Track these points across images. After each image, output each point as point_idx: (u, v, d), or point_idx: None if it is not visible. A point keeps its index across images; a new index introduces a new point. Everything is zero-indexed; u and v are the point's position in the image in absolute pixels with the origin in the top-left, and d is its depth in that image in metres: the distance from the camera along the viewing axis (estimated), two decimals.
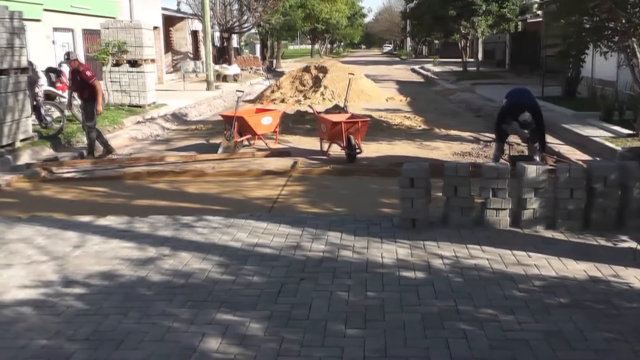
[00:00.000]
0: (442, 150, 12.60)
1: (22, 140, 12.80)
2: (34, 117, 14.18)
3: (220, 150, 12.56)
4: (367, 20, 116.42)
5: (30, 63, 13.82)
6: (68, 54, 13.08)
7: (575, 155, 11.70)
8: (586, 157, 11.32)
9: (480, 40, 41.27)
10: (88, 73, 12.66)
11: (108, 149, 12.81)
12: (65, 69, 17.67)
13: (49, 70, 16.36)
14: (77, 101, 13.85)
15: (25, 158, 12.25)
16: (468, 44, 40.13)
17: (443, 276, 5.62)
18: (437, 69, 45.51)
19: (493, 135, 12.83)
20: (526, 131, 10.11)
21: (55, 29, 23.23)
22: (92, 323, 4.86)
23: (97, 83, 12.73)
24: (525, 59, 35.29)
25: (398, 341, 4.43)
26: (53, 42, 23.01)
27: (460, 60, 41.95)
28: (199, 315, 4.90)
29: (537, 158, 9.99)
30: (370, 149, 12.53)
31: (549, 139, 12.62)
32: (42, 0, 21.28)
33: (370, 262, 6.02)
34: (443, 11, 35.22)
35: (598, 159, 10.68)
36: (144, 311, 5.03)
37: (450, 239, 6.62)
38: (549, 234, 6.83)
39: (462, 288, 5.35)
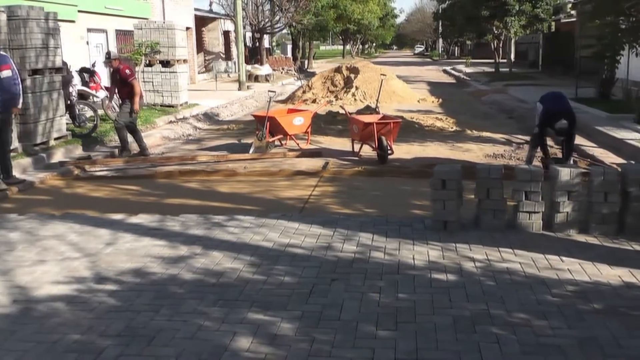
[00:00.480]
0: (474, 152, 12.52)
1: (56, 139, 12.94)
2: (67, 116, 14.32)
3: (252, 150, 12.59)
4: (398, 21, 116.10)
5: (64, 63, 13.96)
6: (109, 53, 13.24)
7: (609, 158, 11.55)
8: (620, 160, 11.18)
9: (512, 41, 40.89)
10: (127, 72, 12.76)
11: (124, 146, 12.87)
12: (99, 69, 17.86)
13: (82, 70, 16.51)
14: (115, 100, 14.01)
15: (58, 156, 12.38)
16: (500, 45, 39.77)
17: (475, 279, 5.57)
18: (469, 70, 45.27)
19: (526, 138, 12.75)
20: (561, 138, 10.05)
21: (89, 30, 23.45)
22: (124, 319, 4.89)
23: (136, 82, 12.84)
24: (558, 59, 34.99)
25: (429, 344, 4.40)
26: (87, 42, 23.22)
27: (492, 61, 41.66)
28: (230, 314, 4.91)
29: (570, 161, 9.90)
30: (402, 150, 12.48)
31: (583, 141, 12.51)
32: (76, 1, 21.48)
33: (402, 263, 5.99)
34: (475, 11, 34.94)
35: (633, 162, 10.54)
36: (175, 309, 5.05)
37: (482, 242, 6.55)
38: (582, 238, 6.73)
39: (494, 292, 5.30)
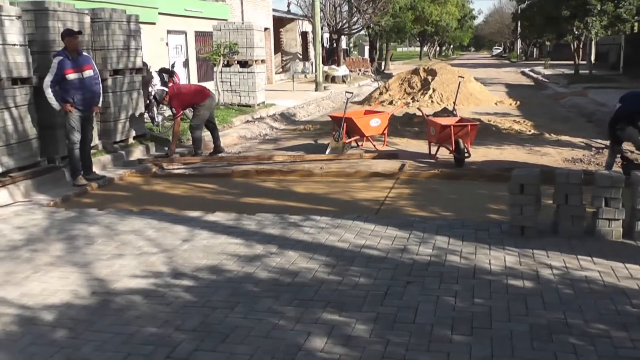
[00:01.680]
0: (552, 157, 12.24)
1: (135, 137, 13.17)
2: (146, 115, 14.58)
3: (328, 150, 12.59)
4: (476, 22, 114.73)
5: (144, 64, 14.20)
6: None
7: None
8: None
9: (593, 42, 39.98)
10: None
11: (197, 146, 12.99)
12: (178, 70, 18.14)
13: (161, 71, 16.78)
14: None
15: (137, 154, 12.61)
16: (581, 46, 38.91)
17: (552, 287, 5.41)
18: (547, 71, 44.42)
19: (606, 142, 12.43)
20: None
21: (169, 32, 23.83)
22: (200, 315, 4.93)
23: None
24: None
25: (505, 351, 4.29)
26: (166, 44, 23.60)
27: (572, 62, 40.75)
28: (305, 314, 4.90)
29: None
30: (479, 154, 12.31)
31: None
32: (157, 4, 21.86)
33: (478, 268, 5.88)
34: (556, 11, 34.24)
35: None
36: (250, 307, 5.07)
37: (559, 249, 6.37)
38: None
39: (572, 300, 5.13)
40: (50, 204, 8.97)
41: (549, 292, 5.27)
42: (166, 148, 13.19)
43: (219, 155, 12.84)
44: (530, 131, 15.78)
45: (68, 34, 9.86)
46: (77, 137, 9.97)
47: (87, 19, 11.71)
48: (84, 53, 10.33)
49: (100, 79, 10.52)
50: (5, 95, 9.50)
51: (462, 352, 4.28)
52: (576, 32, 35.92)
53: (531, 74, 44.61)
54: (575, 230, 6.77)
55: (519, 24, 54.31)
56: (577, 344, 4.38)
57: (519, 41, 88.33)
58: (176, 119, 12.70)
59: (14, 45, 9.67)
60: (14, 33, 9.67)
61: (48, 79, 9.71)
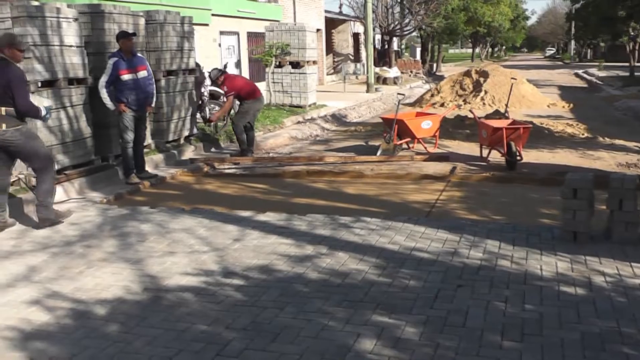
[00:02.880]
0: (605, 161, 12.04)
1: (186, 137, 13.30)
2: (198, 115, 14.71)
3: (379, 152, 12.57)
4: (529, 22, 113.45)
5: (197, 64, 14.34)
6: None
7: None
8: None
9: None
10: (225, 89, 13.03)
11: (242, 146, 13.09)
12: (230, 70, 18.26)
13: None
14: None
15: (189, 153, 12.74)
16: (637, 47, 38.19)
17: (605, 294, 5.29)
18: (601, 73, 43.69)
19: None
20: None
21: (222, 32, 24.01)
22: (250, 314, 4.96)
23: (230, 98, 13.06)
24: None
25: (555, 359, 4.23)
26: (219, 44, 23.79)
27: (627, 64, 40.02)
28: (355, 316, 4.89)
29: None
30: (531, 157, 12.16)
31: None
32: (210, 5, 22.05)
33: (529, 273, 5.79)
34: (611, 11, 33.65)
35: None
36: (300, 307, 5.08)
37: (613, 255, 6.22)
38: None
39: (625, 308, 5.01)
40: (104, 201, 9.12)
41: (601, 300, 5.16)
42: (213, 149, 13.34)
43: (270, 155, 12.88)
44: (583, 134, 15.56)
45: (123, 35, 10.01)
46: (130, 136, 10.11)
47: (142, 21, 11.87)
48: (139, 54, 10.48)
49: (154, 80, 10.67)
50: (62, 95, 9.68)
51: (512, 359, 4.22)
52: (632, 33, 35.27)
53: (585, 75, 43.90)
54: (629, 237, 6.62)
55: (573, 25, 53.53)
56: (630, 354, 4.29)
57: (573, 42, 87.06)
58: (228, 98, 12.83)
59: (71, 46, 9.84)
60: (71, 35, 9.84)
61: (103, 80, 9.87)
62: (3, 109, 7.39)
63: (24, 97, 7.48)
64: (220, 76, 13.00)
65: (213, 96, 15.97)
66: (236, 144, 13.76)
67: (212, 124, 15.22)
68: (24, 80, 7.65)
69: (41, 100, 8.01)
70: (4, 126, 7.42)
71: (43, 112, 7.76)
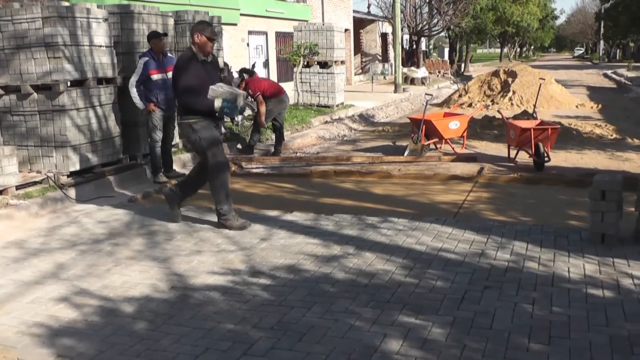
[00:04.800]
0: (634, 162, 11.89)
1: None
2: None
3: (406, 152, 12.53)
4: (558, 22, 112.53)
5: (225, 64, 14.39)
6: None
7: None
8: None
9: None
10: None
11: (249, 144, 13.18)
12: (258, 70, 18.32)
13: (242, 71, 16.94)
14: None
15: None
16: None
17: (633, 297, 5.21)
18: (631, 74, 43.17)
19: None
20: None
21: (250, 32, 24.08)
22: (277, 314, 4.96)
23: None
24: None
25: None
26: (247, 44, 23.85)
27: None
28: (382, 316, 4.87)
29: None
30: (559, 158, 12.06)
31: None
32: (239, 5, 22.12)
33: (557, 275, 5.73)
34: None
35: None
36: (327, 307, 5.07)
37: None
38: None
39: None
40: (132, 200, 9.17)
41: (630, 303, 5.09)
42: (239, 145, 13.43)
43: (298, 155, 12.91)
44: (612, 135, 15.40)
45: (154, 35, 10.08)
46: (159, 135, 10.18)
47: (171, 21, 11.93)
48: (169, 54, 10.54)
49: None
50: (91, 95, 9.76)
51: None
52: None
53: (614, 76, 43.39)
54: None
55: (602, 24, 53.07)
56: None
57: (602, 42, 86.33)
58: (257, 99, 12.87)
59: (100, 46, 9.92)
60: (101, 35, 9.91)
61: (133, 79, 9.94)
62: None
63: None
64: (241, 82, 13.11)
65: None
66: (264, 145, 13.81)
67: (238, 124, 15.27)
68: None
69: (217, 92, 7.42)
70: (179, 118, 7.57)
71: (217, 104, 7.26)
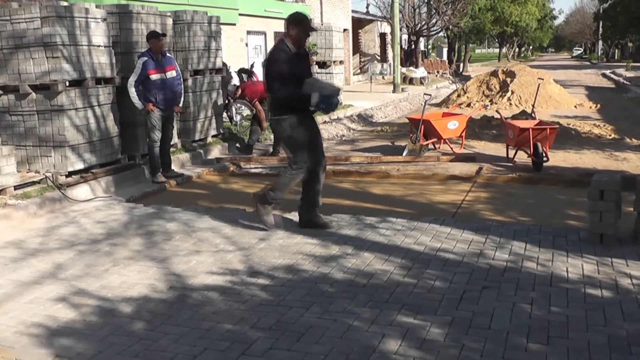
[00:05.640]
0: (633, 162, 11.88)
1: (213, 136, 13.37)
2: (225, 114, 14.76)
3: (405, 152, 12.53)
4: (557, 22, 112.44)
5: (224, 64, 14.39)
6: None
7: None
8: None
9: None
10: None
11: (248, 143, 13.23)
12: (257, 70, 18.32)
13: (241, 71, 16.97)
14: None
15: (215, 153, 12.79)
16: None
17: (632, 297, 5.21)
18: (629, 74, 43.15)
19: None
20: None
21: (249, 32, 24.07)
22: (275, 314, 4.96)
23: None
24: None
25: None
26: (246, 44, 23.84)
27: None
28: (380, 316, 4.87)
29: None
30: (558, 158, 12.06)
31: None
32: (238, 5, 22.11)
33: (555, 275, 5.72)
34: None
35: None
36: (325, 307, 5.07)
37: None
38: None
39: None
40: (130, 200, 9.17)
41: (628, 303, 5.09)
42: (237, 145, 13.44)
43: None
44: (610, 135, 15.40)
45: (153, 35, 10.07)
46: (157, 135, 10.17)
47: (170, 21, 11.93)
48: (168, 54, 10.53)
49: (182, 80, 10.73)
50: (90, 94, 9.76)
51: None
52: None
53: (612, 76, 43.38)
54: None
55: (601, 24, 53.06)
56: None
57: (600, 42, 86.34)
58: (255, 104, 12.87)
59: (99, 46, 9.92)
60: (99, 35, 9.92)
61: (132, 79, 9.94)
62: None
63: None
64: (237, 90, 13.14)
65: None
66: (263, 145, 13.82)
67: (237, 124, 15.28)
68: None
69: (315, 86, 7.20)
70: (271, 114, 7.39)
71: (314, 99, 6.97)
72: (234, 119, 15.48)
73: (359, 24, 40.07)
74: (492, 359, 4.22)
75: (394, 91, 28.66)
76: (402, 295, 5.29)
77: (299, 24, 7.07)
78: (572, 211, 8.21)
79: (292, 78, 6.95)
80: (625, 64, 54.82)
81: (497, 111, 14.80)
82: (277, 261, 6.23)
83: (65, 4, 9.63)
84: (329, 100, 7.01)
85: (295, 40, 7.07)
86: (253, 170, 11.67)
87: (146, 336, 4.63)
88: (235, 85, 14.07)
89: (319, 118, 17.94)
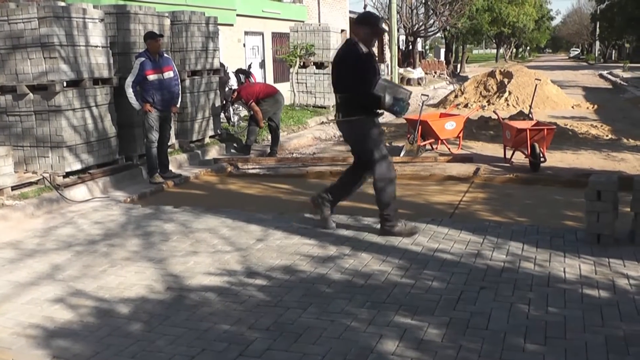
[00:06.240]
0: (630, 163, 11.89)
1: (211, 137, 13.37)
2: (222, 115, 14.76)
3: (402, 153, 12.53)
4: (554, 23, 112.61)
5: (221, 65, 14.39)
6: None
7: None
8: None
9: None
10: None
11: (249, 139, 13.27)
12: (254, 71, 18.34)
13: (238, 72, 16.96)
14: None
15: (213, 153, 12.79)
16: None
17: (629, 297, 5.21)
18: (626, 74, 43.22)
19: None
20: None
21: (246, 33, 24.06)
22: (273, 314, 4.96)
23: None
24: None
25: None
26: (243, 45, 23.83)
27: None
28: (378, 317, 4.88)
29: None
30: (555, 158, 12.07)
31: None
32: (235, 5, 22.10)
33: (552, 276, 5.73)
34: (637, 12, 33.38)
35: None
36: (323, 308, 5.07)
37: (637, 258, 6.13)
38: None
39: None
40: (127, 201, 9.17)
41: (625, 303, 5.10)
42: (235, 145, 13.44)
43: (294, 156, 12.92)
44: (607, 136, 15.42)
45: (150, 36, 10.07)
46: (155, 136, 10.16)
47: (167, 22, 11.92)
48: (165, 55, 10.53)
49: (179, 80, 10.73)
50: (87, 95, 9.76)
51: None
52: None
53: (609, 76, 43.43)
54: None
55: (598, 25, 53.11)
56: None
57: (597, 43, 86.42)
58: (251, 105, 12.87)
59: (96, 46, 9.92)
60: (97, 35, 9.91)
61: (129, 79, 9.93)
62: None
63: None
64: (233, 93, 13.17)
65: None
66: (260, 145, 13.83)
67: (234, 124, 15.28)
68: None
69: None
70: (340, 115, 7.09)
71: (387, 101, 6.79)
72: (232, 119, 15.48)
73: None
74: (489, 359, 4.22)
75: None
76: (400, 296, 5.29)
77: (368, 25, 6.96)
78: (569, 212, 8.21)
79: (365, 78, 6.83)
80: (622, 64, 54.89)
81: (494, 112, 14.82)
82: (274, 262, 6.23)
83: (62, 4, 9.62)
84: (401, 103, 6.91)
85: (365, 41, 6.93)
86: (251, 171, 11.66)
87: (143, 337, 4.63)
88: (231, 88, 14.06)
89: (317, 118, 18.00)
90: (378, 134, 7.03)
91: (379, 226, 7.17)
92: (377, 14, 39.05)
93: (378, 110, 6.97)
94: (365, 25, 6.95)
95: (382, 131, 7.24)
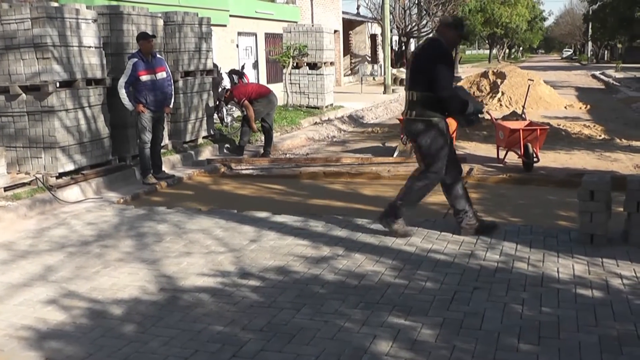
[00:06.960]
0: (622, 162, 11.92)
1: (204, 138, 13.36)
2: (216, 116, 14.75)
3: (396, 153, 12.54)
4: (547, 23, 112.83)
5: (215, 65, 14.37)
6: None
7: None
8: None
9: None
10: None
11: (242, 140, 13.31)
12: (248, 71, 18.33)
13: (231, 72, 16.94)
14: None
15: (206, 154, 12.77)
16: None
17: (622, 297, 5.23)
18: (619, 75, 43.34)
19: None
20: None
21: (240, 33, 24.03)
22: (266, 315, 4.96)
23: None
24: None
25: None
26: (237, 45, 23.81)
27: None
28: (371, 317, 4.87)
29: None
30: (548, 158, 12.08)
31: None
32: (228, 6, 22.08)
33: (546, 276, 5.74)
34: (629, 12, 33.54)
35: None
36: (317, 308, 5.07)
37: (630, 258, 6.14)
38: None
39: None
40: (120, 202, 9.15)
41: (619, 303, 5.11)
42: (227, 145, 13.44)
43: (287, 156, 12.91)
44: (600, 136, 15.45)
45: (143, 37, 10.06)
46: (148, 136, 10.15)
47: (160, 22, 11.90)
48: (158, 55, 10.51)
49: (172, 81, 10.72)
50: (80, 96, 9.73)
51: None
52: None
53: (602, 77, 43.56)
54: None
55: (590, 26, 53.22)
56: None
57: (590, 43, 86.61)
58: (243, 103, 12.86)
59: (89, 47, 9.89)
60: (90, 36, 9.89)
61: (122, 80, 9.91)
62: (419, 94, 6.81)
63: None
64: (226, 93, 13.17)
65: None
66: (254, 146, 13.82)
67: (228, 125, 15.27)
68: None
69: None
70: (414, 113, 6.88)
71: (470, 107, 6.70)
72: (225, 120, 15.46)
73: (349, 25, 40.07)
74: (483, 359, 4.22)
75: (384, 92, 28.67)
76: (394, 296, 5.29)
77: (456, 28, 6.84)
78: (562, 211, 8.22)
79: (450, 79, 6.71)
80: (614, 65, 55.04)
81: (487, 112, 14.83)
82: (268, 263, 6.23)
83: (55, 4, 9.60)
84: (479, 115, 6.83)
85: (450, 43, 6.84)
86: (244, 172, 11.66)
87: (137, 338, 4.62)
88: (224, 88, 14.05)
89: (310, 119, 17.99)
90: (448, 139, 6.94)
91: (382, 210, 7.09)
92: (371, 14, 39.22)
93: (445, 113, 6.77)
94: (456, 29, 6.85)
95: (450, 138, 7.06)
